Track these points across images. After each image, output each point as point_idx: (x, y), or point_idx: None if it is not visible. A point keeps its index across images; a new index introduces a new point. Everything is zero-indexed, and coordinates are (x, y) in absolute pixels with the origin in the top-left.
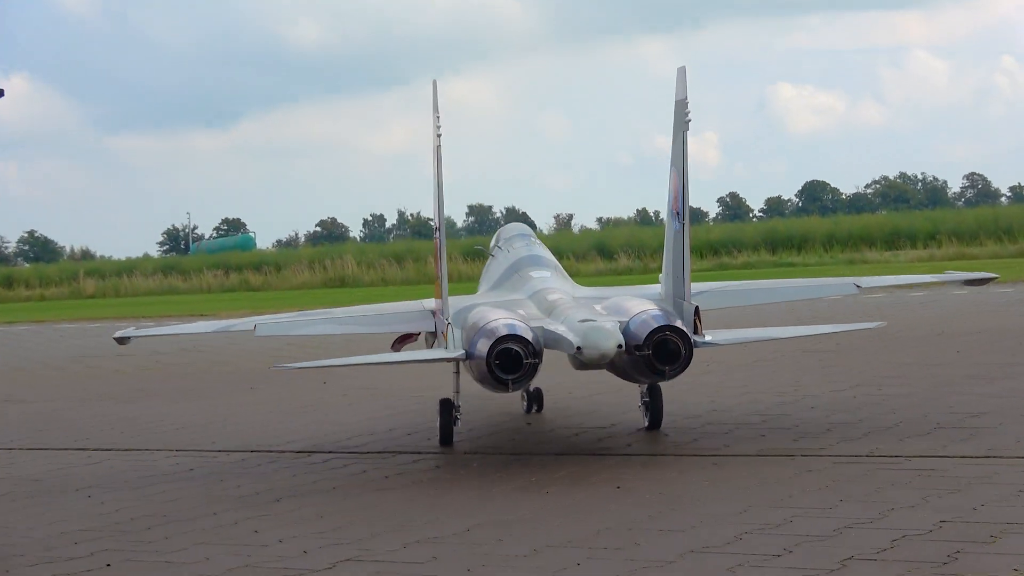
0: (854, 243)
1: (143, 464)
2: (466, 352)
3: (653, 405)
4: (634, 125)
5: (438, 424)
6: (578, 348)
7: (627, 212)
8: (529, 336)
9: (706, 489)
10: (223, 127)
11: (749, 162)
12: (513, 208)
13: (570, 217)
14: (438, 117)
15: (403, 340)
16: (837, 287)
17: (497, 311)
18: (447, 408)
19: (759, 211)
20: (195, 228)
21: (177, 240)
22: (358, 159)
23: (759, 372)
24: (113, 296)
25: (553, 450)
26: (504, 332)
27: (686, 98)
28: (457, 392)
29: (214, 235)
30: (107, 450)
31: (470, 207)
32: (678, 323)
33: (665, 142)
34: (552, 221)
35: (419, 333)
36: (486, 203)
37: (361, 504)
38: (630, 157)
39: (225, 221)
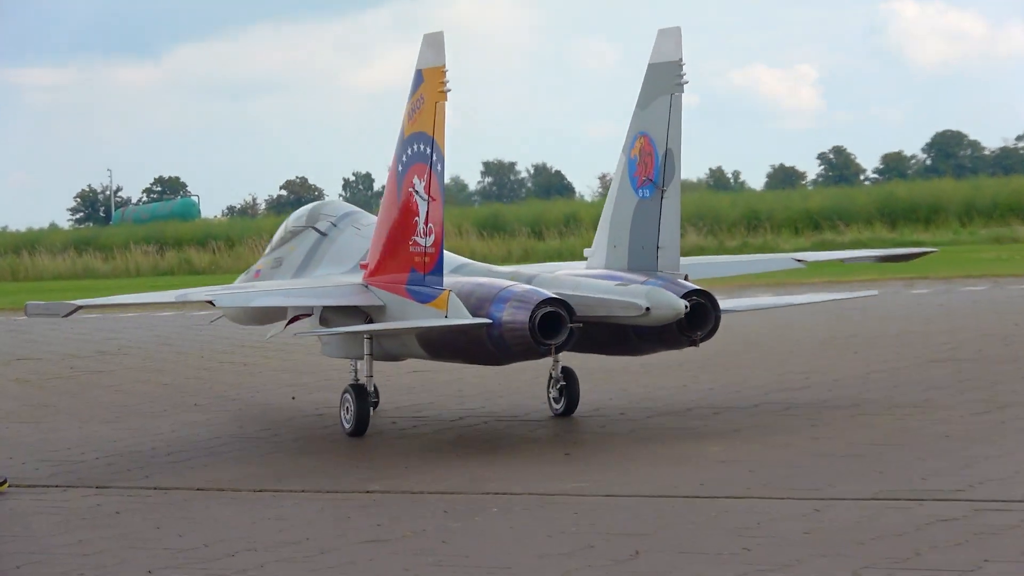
0: (1001, 214)
1: (53, 505)
2: (493, 319)
3: (570, 389)
4: (704, 57)
5: (351, 413)
6: (647, 309)
7: (696, 173)
8: (565, 301)
9: (804, 544)
10: (154, 57)
11: (859, 106)
12: (544, 165)
13: None
14: (445, 72)
15: (297, 318)
16: (777, 262)
17: (495, 279)
18: (362, 394)
19: (873, 172)
20: (119, 190)
21: (95, 206)
22: (336, 100)
23: (874, 387)
24: (9, 280)
25: (598, 489)
26: (540, 297)
27: (680, 59)
28: (370, 377)
29: (144, 200)
30: (4, 483)
31: (487, 164)
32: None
33: (744, 79)
34: (595, 183)
35: (310, 312)
36: (507, 159)
37: (343, 560)
38: (699, 100)
39: (159, 181)
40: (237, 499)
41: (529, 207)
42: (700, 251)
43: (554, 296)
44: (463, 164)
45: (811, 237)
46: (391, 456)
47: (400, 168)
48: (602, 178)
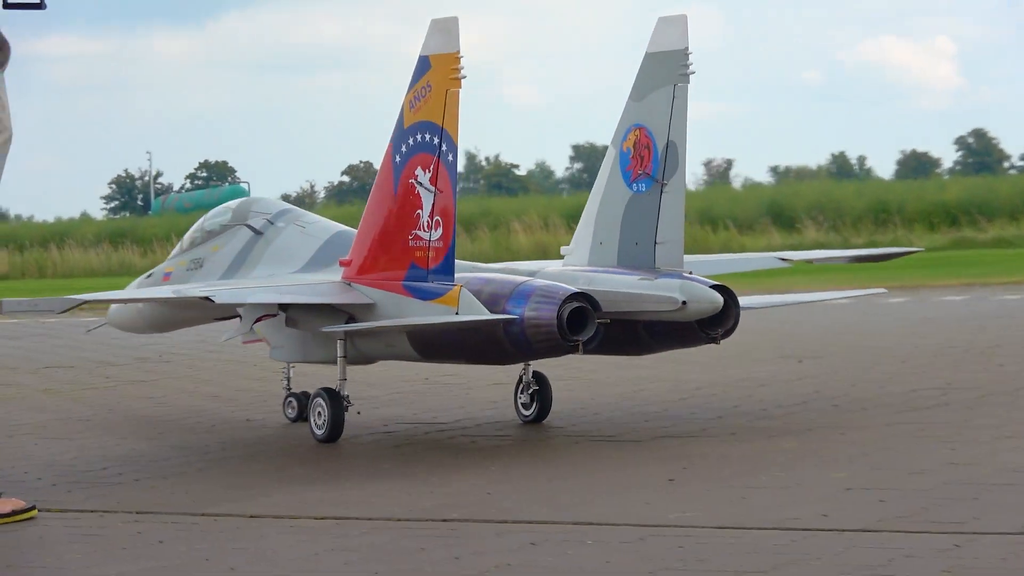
0: None
1: (88, 532)
2: (519, 316)
3: (543, 394)
4: (825, 28)
5: (323, 418)
6: (683, 303)
7: (816, 159)
8: (592, 296)
9: None
10: (198, 26)
11: (1003, 84)
12: None
13: (728, 165)
14: (460, 58)
15: (261, 318)
16: (761, 261)
17: (507, 275)
18: (336, 398)
19: (1020, 159)
20: (159, 176)
21: (132, 194)
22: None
23: (1016, 405)
24: (35, 277)
25: (706, 520)
26: (566, 292)
27: (687, 48)
28: (344, 380)
29: (187, 187)
30: (33, 510)
31: (576, 148)
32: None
33: (871, 53)
34: (701, 170)
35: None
36: (599, 143)
37: None
38: (819, 76)
39: (204, 166)
40: (296, 527)
41: None
42: (820, 247)
43: (580, 291)
44: (550, 148)
45: (948, 233)
46: (471, 480)
47: (397, 159)
48: (707, 164)
